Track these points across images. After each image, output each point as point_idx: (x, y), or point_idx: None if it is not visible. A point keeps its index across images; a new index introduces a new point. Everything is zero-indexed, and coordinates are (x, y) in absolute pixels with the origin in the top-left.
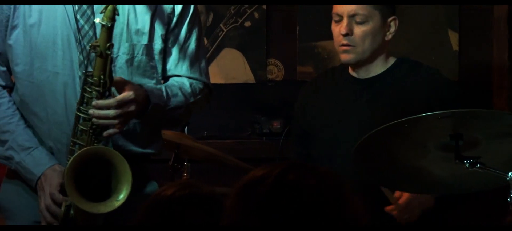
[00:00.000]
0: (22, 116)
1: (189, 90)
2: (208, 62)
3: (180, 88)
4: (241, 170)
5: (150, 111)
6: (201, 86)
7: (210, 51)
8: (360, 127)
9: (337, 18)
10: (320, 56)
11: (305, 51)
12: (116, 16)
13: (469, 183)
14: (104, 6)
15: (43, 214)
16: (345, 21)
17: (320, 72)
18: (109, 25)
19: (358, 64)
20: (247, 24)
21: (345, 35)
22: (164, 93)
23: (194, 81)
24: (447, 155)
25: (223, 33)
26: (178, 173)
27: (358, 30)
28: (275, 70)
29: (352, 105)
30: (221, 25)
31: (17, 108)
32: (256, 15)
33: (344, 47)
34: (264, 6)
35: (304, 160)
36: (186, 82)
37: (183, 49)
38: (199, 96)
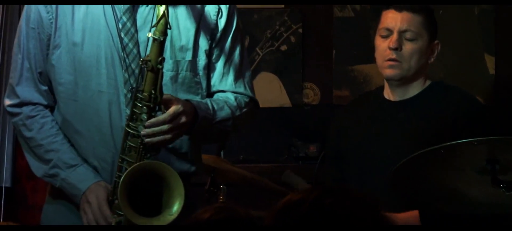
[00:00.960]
0: (65, 135)
1: (234, 103)
2: None
3: (226, 102)
4: (277, 193)
5: (198, 125)
6: (246, 99)
7: None
8: (394, 150)
9: (385, 33)
10: (356, 80)
11: (341, 75)
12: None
13: (506, 205)
14: (156, 20)
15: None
16: (395, 36)
17: (355, 97)
18: (162, 39)
19: (399, 83)
20: (283, 48)
21: (394, 49)
22: (210, 107)
23: (239, 95)
24: (483, 178)
25: (260, 57)
26: (214, 197)
27: (407, 46)
28: (311, 94)
29: (386, 128)
30: (257, 49)
31: (60, 128)
32: (292, 38)
33: (391, 62)
34: (301, 30)
35: (338, 183)
36: (231, 96)
37: (227, 64)
38: (245, 110)
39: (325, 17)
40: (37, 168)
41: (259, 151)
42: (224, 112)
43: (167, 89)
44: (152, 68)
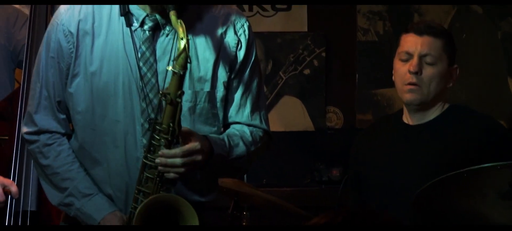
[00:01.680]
0: (81, 163)
1: (250, 139)
2: (268, 110)
3: (241, 138)
4: (301, 217)
5: (213, 162)
6: (261, 134)
7: (270, 99)
8: (414, 174)
9: (405, 57)
10: (379, 104)
11: (364, 99)
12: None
13: None
14: (177, 53)
15: None
16: (415, 60)
17: (375, 120)
18: (181, 73)
19: (418, 108)
20: (306, 71)
21: (415, 73)
22: (227, 144)
23: (255, 129)
24: (506, 202)
25: (283, 81)
26: (237, 221)
27: (428, 70)
28: (334, 118)
29: (406, 152)
30: (280, 73)
31: (76, 156)
32: (316, 62)
33: (411, 86)
34: (324, 54)
35: (360, 205)
36: (246, 130)
37: (244, 96)
38: (259, 144)
39: (348, 41)
40: (53, 196)
41: (282, 175)
42: (240, 150)
43: (185, 120)
44: (171, 101)
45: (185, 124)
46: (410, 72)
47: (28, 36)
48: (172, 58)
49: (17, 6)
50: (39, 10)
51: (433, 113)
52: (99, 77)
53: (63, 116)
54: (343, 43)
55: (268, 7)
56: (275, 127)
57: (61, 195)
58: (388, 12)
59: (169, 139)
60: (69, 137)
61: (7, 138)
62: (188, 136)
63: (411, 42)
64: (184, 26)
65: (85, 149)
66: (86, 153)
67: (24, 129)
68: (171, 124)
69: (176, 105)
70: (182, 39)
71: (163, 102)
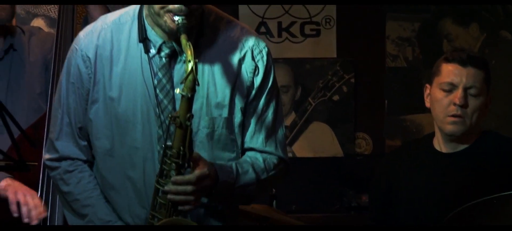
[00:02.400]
0: (102, 191)
1: (262, 166)
2: (297, 136)
3: (252, 165)
4: None
5: (218, 189)
6: (275, 161)
7: (299, 125)
8: (448, 201)
9: (448, 88)
10: (408, 130)
11: (393, 125)
12: (196, 88)
13: None
14: (184, 76)
15: None
16: (460, 92)
17: (402, 143)
18: (189, 95)
19: (457, 138)
20: (335, 97)
21: (461, 106)
22: (234, 171)
23: (269, 156)
24: None
25: (312, 107)
26: None
27: (472, 102)
28: (363, 144)
29: (439, 181)
30: (309, 99)
31: (97, 183)
32: (345, 88)
33: (455, 119)
34: (353, 80)
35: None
36: (259, 157)
37: (259, 122)
38: (272, 172)
39: (377, 67)
40: (73, 222)
41: (311, 201)
42: (248, 177)
43: (204, 146)
44: (180, 124)
45: (204, 150)
46: (455, 104)
47: (54, 60)
48: None
49: (50, 30)
50: (65, 32)
51: (467, 141)
52: (118, 104)
53: (84, 143)
54: (372, 69)
55: (297, 33)
56: (304, 152)
57: (81, 222)
58: (417, 38)
59: (180, 162)
60: (90, 163)
61: (36, 164)
62: (197, 161)
63: (455, 74)
64: (192, 49)
65: (104, 176)
66: (105, 180)
67: (46, 156)
68: (181, 148)
69: (185, 129)
70: (189, 61)
71: (173, 126)
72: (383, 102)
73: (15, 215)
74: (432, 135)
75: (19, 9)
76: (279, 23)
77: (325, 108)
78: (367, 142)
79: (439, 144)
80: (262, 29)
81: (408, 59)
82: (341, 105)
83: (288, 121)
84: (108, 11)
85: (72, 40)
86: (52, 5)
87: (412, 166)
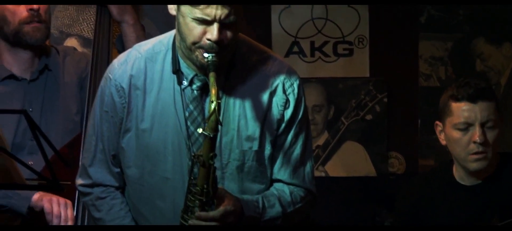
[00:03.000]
0: (133, 217)
1: (288, 199)
2: (330, 155)
3: (279, 198)
4: None
5: (243, 224)
6: (302, 193)
7: (332, 144)
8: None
9: (464, 127)
10: (441, 149)
11: (426, 144)
12: (227, 123)
13: None
14: (208, 115)
15: None
16: (478, 130)
17: (421, 174)
18: (212, 135)
19: (482, 170)
20: (368, 117)
21: (481, 143)
22: (260, 205)
23: (296, 188)
24: None
25: (345, 126)
26: None
27: (490, 135)
28: (397, 163)
29: (463, 216)
30: (342, 118)
31: (129, 209)
32: (378, 108)
33: (477, 156)
34: (386, 99)
35: None
36: (286, 190)
37: (287, 155)
38: (299, 205)
39: (410, 87)
40: None
41: (344, 220)
42: (274, 211)
43: (234, 178)
44: (203, 163)
45: (234, 182)
46: (475, 142)
47: (90, 80)
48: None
49: (83, 49)
50: (101, 52)
51: (489, 170)
52: (149, 134)
53: (117, 170)
54: (405, 88)
55: (330, 52)
56: (337, 172)
57: None
58: (450, 58)
59: (204, 200)
60: (123, 190)
61: (69, 183)
62: (222, 196)
63: (468, 112)
64: (217, 88)
65: (135, 204)
66: (136, 208)
67: (79, 181)
68: (205, 186)
69: (209, 168)
70: (212, 102)
71: (197, 165)
72: (416, 122)
73: (52, 223)
74: (450, 163)
75: (53, 29)
76: (312, 43)
77: (358, 127)
78: (400, 161)
79: (461, 177)
80: (295, 49)
81: (441, 78)
82: (374, 125)
83: (321, 141)
84: (143, 30)
85: (108, 60)
86: (86, 25)
87: (436, 197)
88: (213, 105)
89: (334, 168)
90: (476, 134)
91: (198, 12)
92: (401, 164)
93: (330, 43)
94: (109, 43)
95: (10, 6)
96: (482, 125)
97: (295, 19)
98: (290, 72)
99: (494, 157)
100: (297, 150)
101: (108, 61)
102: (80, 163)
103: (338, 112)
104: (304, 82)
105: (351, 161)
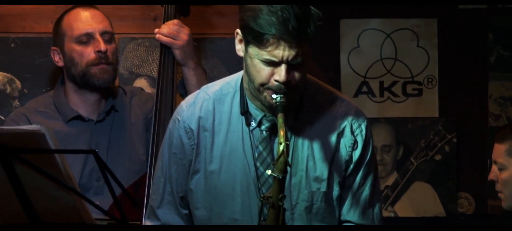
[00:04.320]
0: None
1: None
2: (398, 196)
3: None
4: None
5: None
6: None
7: (401, 185)
8: None
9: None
10: None
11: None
12: (296, 164)
13: None
14: (277, 157)
15: None
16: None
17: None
18: (281, 177)
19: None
20: (438, 157)
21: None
22: None
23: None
24: None
25: (414, 167)
26: None
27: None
28: (466, 204)
29: None
30: (411, 158)
31: None
32: (447, 148)
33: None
34: (455, 140)
35: None
36: None
37: (356, 196)
38: None
39: (479, 127)
40: None
41: None
42: None
43: (302, 219)
44: (273, 204)
45: (302, 223)
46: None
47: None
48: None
49: (152, 90)
50: (165, 93)
51: None
52: (218, 176)
53: (185, 211)
54: (474, 128)
55: (399, 92)
56: (406, 212)
57: None
58: None
59: None
60: None
61: (138, 223)
62: None
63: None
64: (285, 130)
65: None
66: None
67: (147, 223)
68: None
69: (278, 209)
70: (281, 143)
71: (266, 206)
72: (485, 162)
73: None
74: None
75: (123, 69)
76: (381, 83)
77: (427, 168)
78: (469, 202)
79: None
80: (364, 89)
81: (510, 118)
82: (443, 165)
83: (390, 181)
84: (204, 73)
85: (172, 101)
86: (155, 65)
87: None
88: (281, 147)
89: (403, 208)
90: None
91: (266, 53)
92: (471, 204)
93: (399, 83)
94: (173, 85)
95: (78, 48)
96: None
97: (364, 59)
98: (358, 114)
99: None
100: (366, 191)
101: (172, 103)
102: (148, 204)
103: (407, 152)
104: (373, 122)
105: (420, 201)
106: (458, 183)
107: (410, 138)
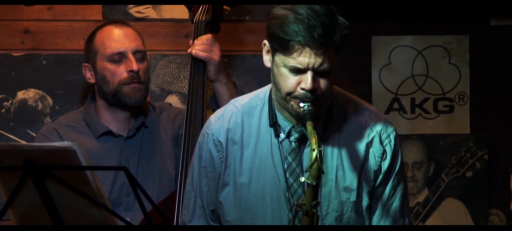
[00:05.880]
0: None
1: None
2: (430, 212)
3: None
4: None
5: None
6: None
7: (432, 201)
8: None
9: None
10: None
11: None
12: (325, 174)
13: None
14: (310, 164)
15: None
16: None
17: None
18: (315, 184)
19: None
20: (469, 174)
21: None
22: None
23: None
24: None
25: (445, 184)
26: None
27: None
28: (497, 221)
29: None
30: (442, 175)
31: None
32: (478, 165)
33: None
34: (486, 156)
35: None
36: None
37: (386, 206)
38: None
39: (510, 143)
40: None
41: None
42: None
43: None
44: (307, 212)
45: None
46: None
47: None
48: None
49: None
50: (195, 109)
51: None
52: (248, 188)
53: (216, 224)
54: (505, 145)
55: (430, 109)
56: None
57: None
58: None
59: None
60: None
61: None
62: None
63: None
64: (316, 137)
65: None
66: None
67: None
68: None
69: (312, 216)
70: (313, 150)
71: (300, 214)
72: None
73: None
74: None
75: (154, 86)
76: (412, 99)
77: (458, 184)
78: (500, 219)
79: None
80: (395, 106)
81: None
82: (474, 182)
83: (421, 197)
84: (235, 88)
85: (202, 117)
86: (186, 82)
87: None
88: (314, 153)
89: (435, 225)
90: None
91: (291, 61)
92: (502, 221)
93: (430, 99)
94: (203, 101)
95: (110, 67)
96: None
97: (396, 76)
98: (386, 124)
99: None
100: (396, 202)
101: (202, 119)
102: (179, 219)
103: (438, 169)
104: (404, 139)
105: (451, 218)
106: (489, 199)
107: (441, 155)
